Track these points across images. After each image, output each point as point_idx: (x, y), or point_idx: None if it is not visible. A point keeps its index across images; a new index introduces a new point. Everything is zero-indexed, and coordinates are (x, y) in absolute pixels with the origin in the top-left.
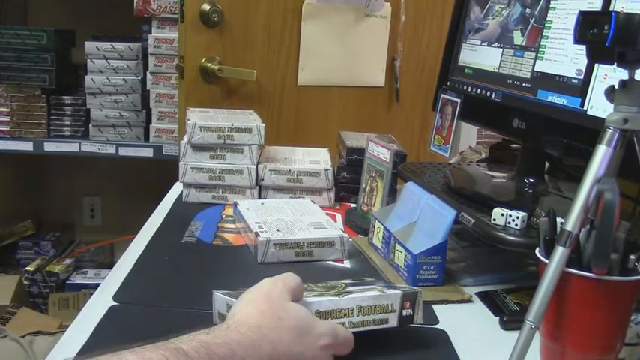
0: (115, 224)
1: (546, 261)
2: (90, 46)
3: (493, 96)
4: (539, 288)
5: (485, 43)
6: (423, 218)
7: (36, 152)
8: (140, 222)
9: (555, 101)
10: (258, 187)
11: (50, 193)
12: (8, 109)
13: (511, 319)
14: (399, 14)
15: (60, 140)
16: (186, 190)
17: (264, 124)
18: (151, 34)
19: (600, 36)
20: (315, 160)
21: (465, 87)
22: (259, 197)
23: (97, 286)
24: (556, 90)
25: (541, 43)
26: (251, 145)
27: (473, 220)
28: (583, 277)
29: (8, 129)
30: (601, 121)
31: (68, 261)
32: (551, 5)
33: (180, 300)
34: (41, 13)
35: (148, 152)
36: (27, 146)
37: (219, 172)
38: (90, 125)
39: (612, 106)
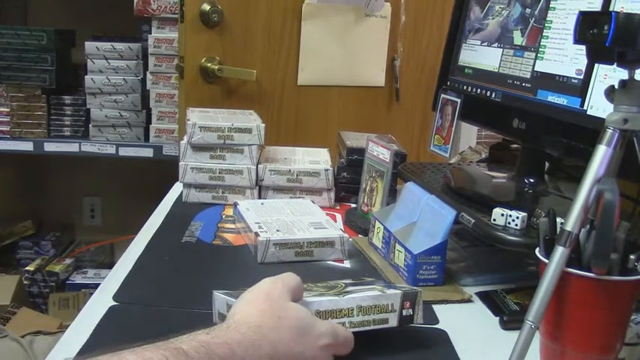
0: (115, 224)
1: (546, 261)
2: (90, 46)
3: (493, 96)
4: (539, 288)
5: (485, 43)
6: (423, 218)
7: (36, 152)
8: (140, 222)
9: (555, 101)
10: (258, 187)
11: (50, 193)
12: (8, 109)
13: (511, 319)
14: (399, 14)
15: (60, 140)
16: (186, 190)
17: (264, 124)
18: (151, 34)
19: (600, 36)
20: (315, 160)
21: (465, 87)
22: (259, 197)
23: (97, 286)
24: (556, 90)
25: (541, 43)
26: (251, 145)
27: (473, 220)
28: (583, 277)
29: (8, 129)
30: (601, 121)
31: (68, 261)
32: (551, 5)
33: (180, 300)
34: (41, 13)
35: (148, 152)
36: (27, 146)
37: (219, 172)
38: (90, 125)
39: (612, 106)
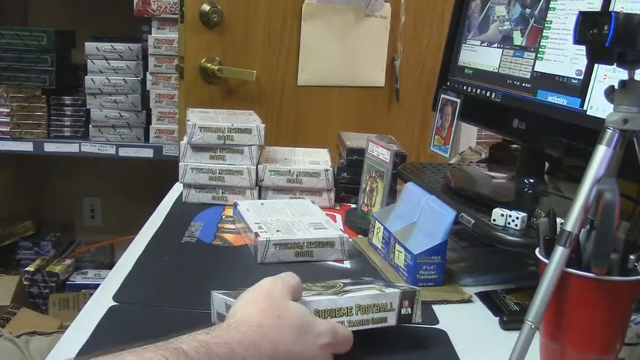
0: (115, 224)
1: (546, 261)
2: (90, 46)
3: (493, 96)
4: (539, 288)
5: (485, 44)
6: (422, 218)
7: (36, 152)
8: (140, 222)
9: (555, 101)
10: (258, 188)
11: (50, 193)
12: (8, 110)
13: (511, 319)
14: (399, 14)
15: (60, 141)
16: (186, 191)
17: (264, 125)
18: (150, 34)
19: (600, 36)
20: (315, 160)
21: (464, 87)
22: (259, 198)
23: (97, 286)
24: (556, 90)
25: (541, 44)
26: (251, 145)
27: (473, 221)
28: (583, 277)
29: (8, 129)
30: (601, 121)
31: (68, 261)
32: (551, 5)
33: (180, 300)
34: (41, 13)
35: (148, 153)
36: (27, 147)
37: (219, 173)
38: (90, 126)
39: (612, 106)
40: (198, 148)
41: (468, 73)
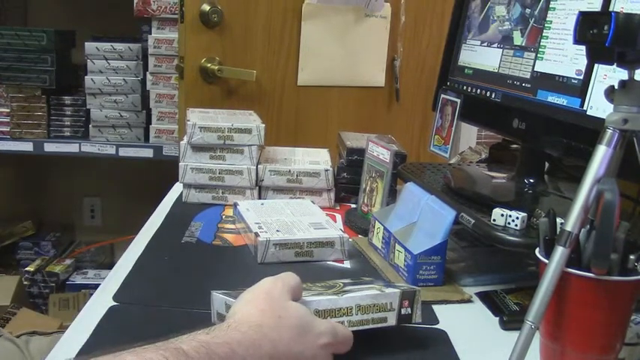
0: (115, 224)
1: (546, 261)
2: (90, 46)
3: (493, 96)
4: (539, 288)
5: (485, 44)
6: (422, 218)
7: (36, 152)
8: (140, 222)
9: (555, 101)
10: (258, 188)
11: (50, 193)
12: (8, 110)
13: (511, 319)
14: (399, 14)
15: (60, 141)
16: (186, 191)
17: (264, 125)
18: (150, 34)
19: (600, 36)
20: (315, 160)
21: (464, 87)
22: (259, 198)
23: (97, 286)
24: (556, 90)
25: (541, 44)
26: (251, 145)
27: (473, 221)
28: (583, 277)
29: (8, 129)
30: (601, 121)
31: (68, 261)
32: (551, 5)
33: (180, 300)
34: (41, 13)
35: (148, 153)
36: (27, 147)
37: (219, 173)
38: (90, 126)
39: (612, 106)
40: (198, 148)
41: (468, 73)
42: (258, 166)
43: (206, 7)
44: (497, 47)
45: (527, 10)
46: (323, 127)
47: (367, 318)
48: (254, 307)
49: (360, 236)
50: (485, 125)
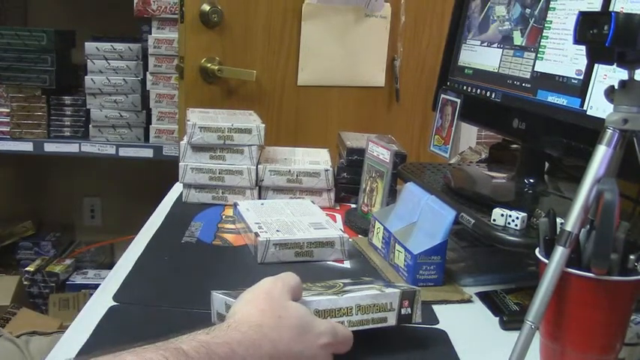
0: (115, 224)
1: (546, 261)
2: (90, 46)
3: (493, 96)
4: (539, 288)
5: (485, 44)
6: (422, 218)
7: (36, 152)
8: (140, 222)
9: (555, 101)
10: (258, 188)
11: (50, 193)
12: (8, 110)
13: (511, 319)
14: (399, 14)
15: (60, 141)
16: (186, 191)
17: (264, 125)
18: (150, 34)
19: (600, 36)
20: (315, 160)
21: (464, 87)
22: (259, 198)
23: (97, 286)
24: (556, 90)
25: (541, 44)
26: (251, 145)
27: (473, 221)
28: (583, 277)
29: (8, 129)
30: (601, 121)
31: (68, 261)
32: (551, 5)
33: (180, 300)
34: (41, 13)
35: (148, 153)
36: (27, 147)
37: (219, 173)
38: (90, 126)
39: (612, 106)
40: (198, 148)
41: (468, 73)
42: (258, 166)
43: (206, 7)
44: (497, 47)
45: (527, 10)
46: (323, 127)
47: (367, 318)
48: (254, 307)
49: (360, 236)
50: (486, 125)
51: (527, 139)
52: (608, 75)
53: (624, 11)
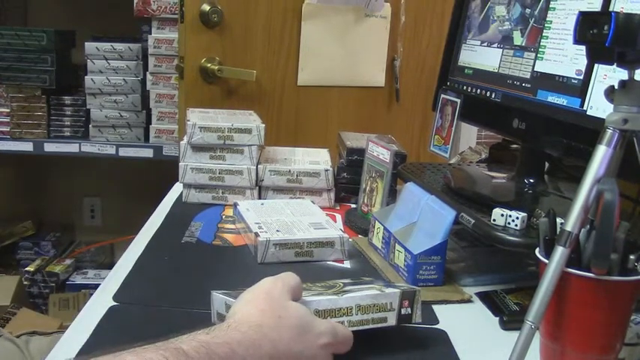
0: (115, 224)
1: (546, 261)
2: (90, 46)
3: (493, 96)
4: (539, 288)
5: (485, 44)
6: (422, 218)
7: (36, 152)
8: (140, 222)
9: (555, 101)
10: (258, 188)
11: (50, 193)
12: (8, 110)
13: (511, 319)
14: (399, 14)
15: (60, 141)
16: (186, 191)
17: (264, 125)
18: (150, 34)
19: (600, 36)
20: (315, 160)
21: (464, 87)
22: (259, 198)
23: (97, 286)
24: (556, 90)
25: (541, 44)
26: (251, 145)
27: (473, 221)
28: (583, 277)
29: (8, 129)
30: (601, 121)
31: (68, 261)
32: (551, 5)
33: (180, 300)
34: (41, 13)
35: (148, 153)
36: (27, 147)
37: (219, 173)
38: (90, 126)
39: (612, 106)
40: (198, 148)
41: (468, 73)
42: (258, 166)
43: (206, 7)
44: (497, 47)
45: (527, 10)
46: (323, 127)
47: (367, 318)
48: (254, 307)
49: (360, 236)
50: (486, 125)
51: (527, 139)
52: (608, 75)
53: (624, 11)
